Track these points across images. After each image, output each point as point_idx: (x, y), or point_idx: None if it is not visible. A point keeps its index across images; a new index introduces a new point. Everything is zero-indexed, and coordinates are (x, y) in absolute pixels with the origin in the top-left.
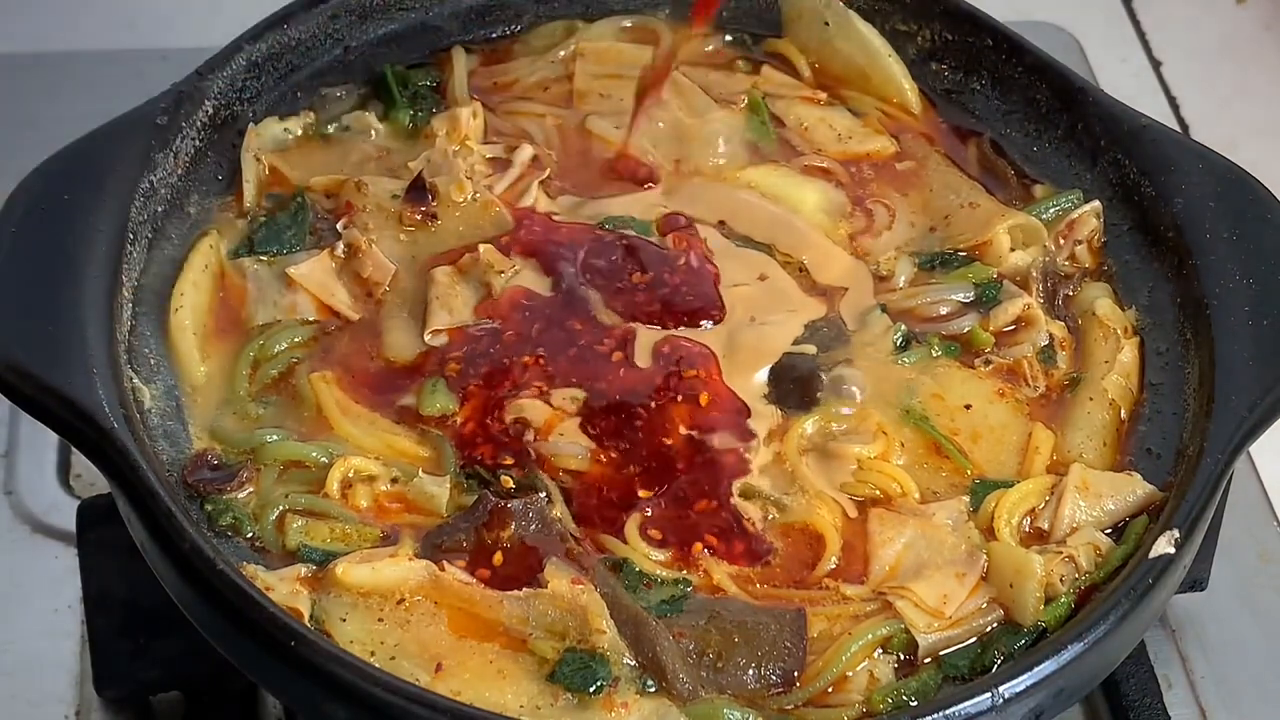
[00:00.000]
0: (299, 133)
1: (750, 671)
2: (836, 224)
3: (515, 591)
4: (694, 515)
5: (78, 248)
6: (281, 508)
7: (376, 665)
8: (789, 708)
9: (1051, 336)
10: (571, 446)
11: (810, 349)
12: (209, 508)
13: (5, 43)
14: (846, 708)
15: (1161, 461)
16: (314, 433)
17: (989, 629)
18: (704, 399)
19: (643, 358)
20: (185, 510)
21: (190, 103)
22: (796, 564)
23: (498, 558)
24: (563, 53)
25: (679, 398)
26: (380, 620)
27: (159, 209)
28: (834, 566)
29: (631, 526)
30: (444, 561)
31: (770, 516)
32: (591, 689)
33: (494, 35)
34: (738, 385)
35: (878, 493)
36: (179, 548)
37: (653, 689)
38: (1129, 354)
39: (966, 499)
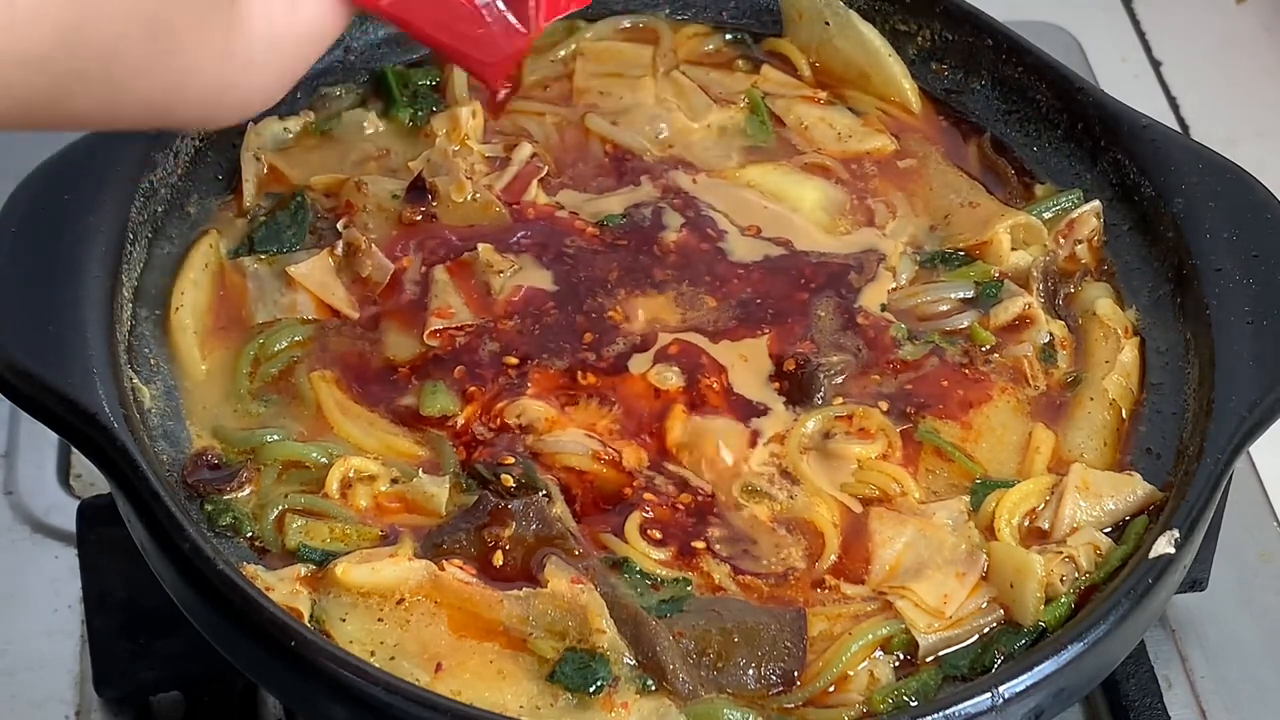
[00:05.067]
0: (299, 132)
1: (750, 671)
2: (836, 222)
3: (515, 591)
4: (695, 514)
5: (78, 248)
6: (281, 507)
7: (376, 665)
8: (789, 707)
9: (1052, 336)
10: (572, 445)
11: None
12: (209, 508)
13: None
14: (847, 707)
15: (1161, 461)
16: (314, 432)
17: (989, 629)
18: (709, 400)
19: (648, 359)
20: (185, 510)
21: None
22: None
23: (498, 557)
24: (563, 52)
25: (683, 399)
26: (380, 620)
27: (159, 209)
28: (833, 563)
29: (632, 526)
30: (444, 561)
31: (777, 512)
32: (591, 689)
33: None
34: (741, 385)
35: (878, 492)
36: (179, 548)
37: (653, 689)
38: (1129, 354)
39: (967, 499)
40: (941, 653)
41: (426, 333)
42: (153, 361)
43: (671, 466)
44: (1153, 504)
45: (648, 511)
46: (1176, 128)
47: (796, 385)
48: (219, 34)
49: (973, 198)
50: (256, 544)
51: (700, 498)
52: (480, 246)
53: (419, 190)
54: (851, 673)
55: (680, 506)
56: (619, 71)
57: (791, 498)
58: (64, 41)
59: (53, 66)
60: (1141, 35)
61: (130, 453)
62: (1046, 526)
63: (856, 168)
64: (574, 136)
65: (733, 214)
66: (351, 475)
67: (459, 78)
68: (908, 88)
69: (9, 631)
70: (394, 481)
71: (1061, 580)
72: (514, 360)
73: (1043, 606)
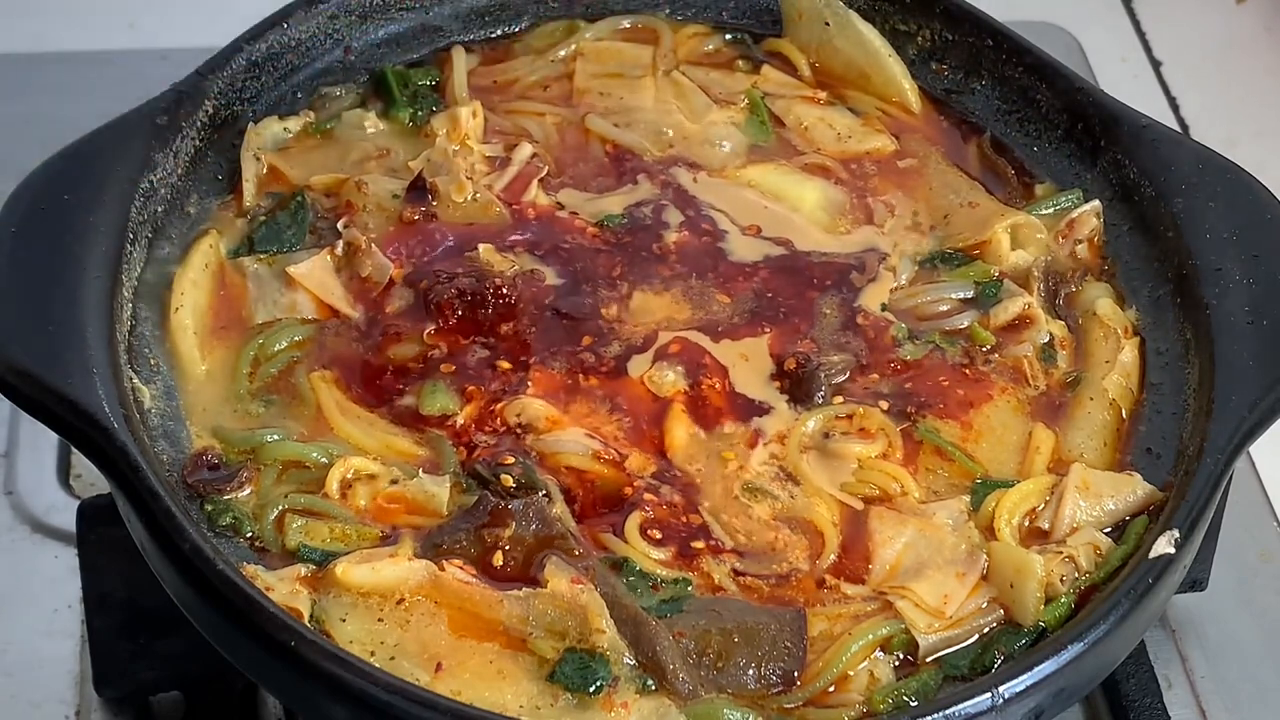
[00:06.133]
0: (299, 132)
1: (750, 671)
2: (836, 222)
3: (515, 591)
4: (696, 515)
5: (78, 248)
6: (281, 507)
7: (376, 665)
8: (789, 707)
9: (1052, 336)
10: (573, 445)
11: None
12: (209, 508)
13: (5, 43)
14: (847, 708)
15: (1161, 461)
16: (314, 432)
17: (989, 629)
18: (710, 401)
19: (648, 359)
20: (185, 510)
21: (190, 103)
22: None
23: (498, 557)
24: (563, 52)
25: (684, 400)
26: (380, 620)
27: (159, 209)
28: (833, 563)
29: (632, 526)
30: (444, 561)
31: (778, 511)
32: (591, 689)
33: (494, 35)
34: (743, 384)
35: (878, 492)
36: (179, 548)
37: (653, 689)
38: (1129, 354)
39: (967, 499)
40: (941, 653)
41: (427, 332)
42: (153, 361)
43: (677, 472)
44: (1153, 504)
45: (648, 511)
46: (1176, 128)
47: (797, 384)
48: None
49: (972, 198)
50: (256, 544)
51: (705, 521)
52: (480, 246)
53: (419, 190)
54: (851, 673)
55: (684, 519)
56: (619, 72)
57: (792, 497)
58: None
59: None
60: (1141, 35)
61: (130, 453)
62: (1046, 526)
63: (856, 168)
64: (574, 136)
65: (733, 213)
66: (351, 475)
67: (459, 77)
68: (908, 88)
69: (9, 631)
70: (394, 481)
71: (1061, 580)
72: (514, 360)
73: (1043, 606)
